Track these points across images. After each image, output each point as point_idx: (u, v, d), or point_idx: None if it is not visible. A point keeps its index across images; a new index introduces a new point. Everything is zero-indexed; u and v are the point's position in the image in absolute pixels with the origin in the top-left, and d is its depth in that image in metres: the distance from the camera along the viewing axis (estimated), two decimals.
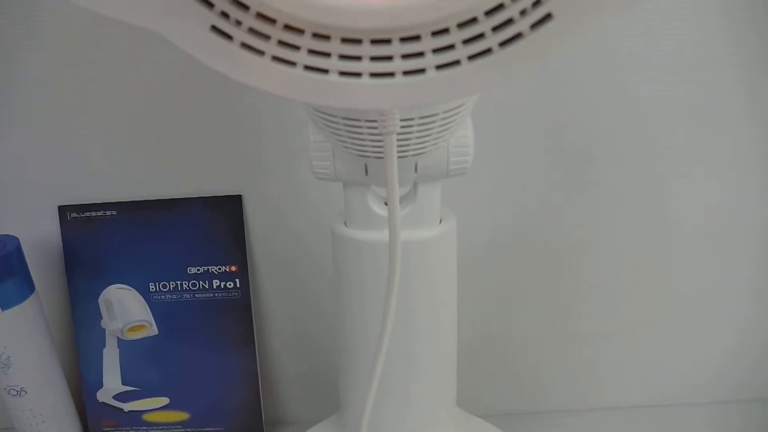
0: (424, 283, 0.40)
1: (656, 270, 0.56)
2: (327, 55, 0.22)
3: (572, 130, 0.51)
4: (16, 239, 0.53)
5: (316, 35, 0.22)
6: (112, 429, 0.60)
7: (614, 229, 0.55)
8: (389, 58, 0.22)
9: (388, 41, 0.22)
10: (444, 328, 0.43)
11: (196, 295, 0.56)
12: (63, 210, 0.56)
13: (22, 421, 0.57)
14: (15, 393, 0.55)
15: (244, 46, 0.22)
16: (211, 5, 0.21)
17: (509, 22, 0.21)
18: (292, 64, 0.22)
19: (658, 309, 0.57)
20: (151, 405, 0.59)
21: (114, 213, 0.55)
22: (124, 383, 0.59)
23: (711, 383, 0.60)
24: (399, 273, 0.32)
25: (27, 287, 0.54)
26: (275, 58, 0.22)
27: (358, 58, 0.22)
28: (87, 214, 0.56)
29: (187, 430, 0.59)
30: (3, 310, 0.52)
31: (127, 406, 0.59)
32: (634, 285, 0.56)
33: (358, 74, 0.22)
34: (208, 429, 0.59)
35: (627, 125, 0.51)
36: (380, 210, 0.39)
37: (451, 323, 0.44)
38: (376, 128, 0.29)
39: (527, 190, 0.54)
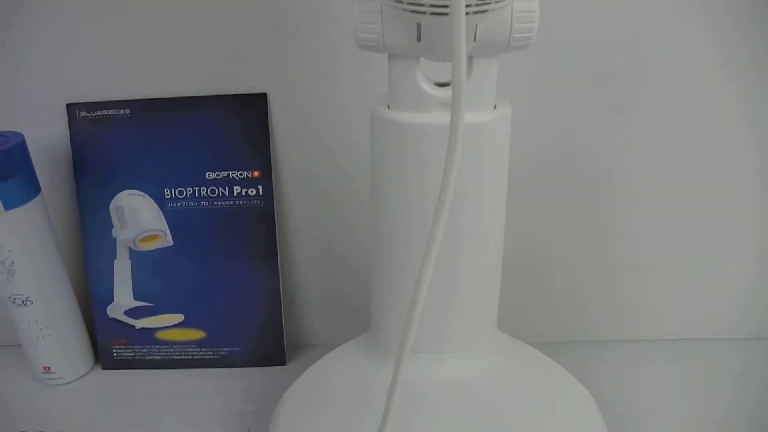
0: (474, 176, 0.36)
1: (700, 200, 0.51)
2: None
3: (618, 50, 0.46)
4: (20, 135, 0.49)
5: None
6: (123, 347, 0.56)
7: (658, 154, 0.50)
8: None
9: None
10: (491, 234, 0.39)
11: (215, 203, 0.52)
12: (72, 108, 0.51)
13: (27, 334, 0.53)
14: (20, 303, 0.52)
15: None
16: None
17: None
18: None
19: (699, 240, 0.53)
20: (164, 322, 0.55)
21: (127, 112, 0.51)
22: (136, 298, 0.55)
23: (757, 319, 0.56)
24: (459, 154, 0.28)
25: (32, 188, 0.50)
26: None
27: None
28: (98, 112, 0.51)
29: (203, 349, 0.56)
30: (6, 209, 0.48)
31: (139, 323, 0.55)
32: (678, 213, 0.52)
33: None
34: (225, 349, 0.56)
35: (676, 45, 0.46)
36: (431, 88, 0.35)
37: (499, 229, 0.40)
38: None
39: (568, 111, 0.49)
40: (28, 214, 0.50)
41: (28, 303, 0.52)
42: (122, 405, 0.53)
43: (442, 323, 0.41)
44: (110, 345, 0.56)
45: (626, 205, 0.52)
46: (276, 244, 0.53)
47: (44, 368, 0.55)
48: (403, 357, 0.32)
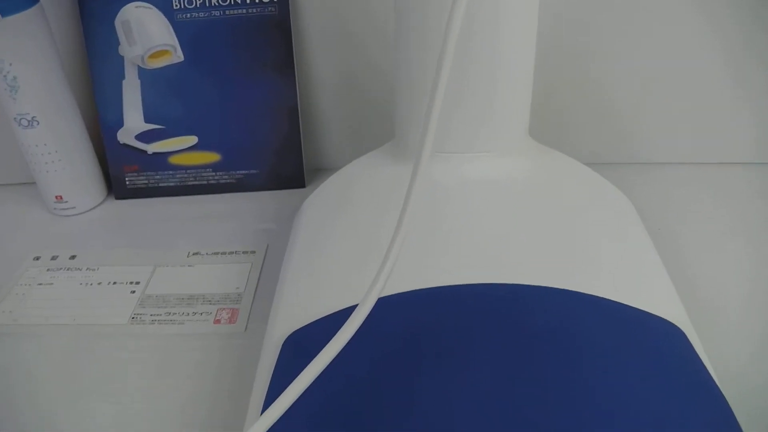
0: None
1: None
2: None
3: None
4: None
5: None
6: (136, 175, 0.54)
7: None
8: None
9: None
10: (521, 23, 0.36)
11: (227, 12, 0.49)
12: None
13: (36, 159, 0.51)
14: (26, 124, 0.50)
15: None
16: None
17: None
18: None
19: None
20: (177, 145, 0.53)
21: None
22: (146, 121, 0.53)
23: None
24: None
25: None
26: None
27: None
28: None
29: (218, 173, 0.54)
30: (3, 16, 0.45)
31: (151, 148, 0.53)
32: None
33: None
34: (241, 172, 0.54)
35: None
36: None
37: (531, 21, 0.37)
38: None
39: None
40: (26, 23, 0.47)
41: (35, 124, 0.50)
42: (137, 231, 0.52)
43: (471, 120, 0.39)
44: (122, 173, 0.54)
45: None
46: (293, 55, 0.50)
47: (56, 197, 0.54)
48: (428, 139, 0.30)
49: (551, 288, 0.33)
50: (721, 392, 0.29)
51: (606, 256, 0.37)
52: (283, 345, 0.32)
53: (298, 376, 0.24)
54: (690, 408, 0.28)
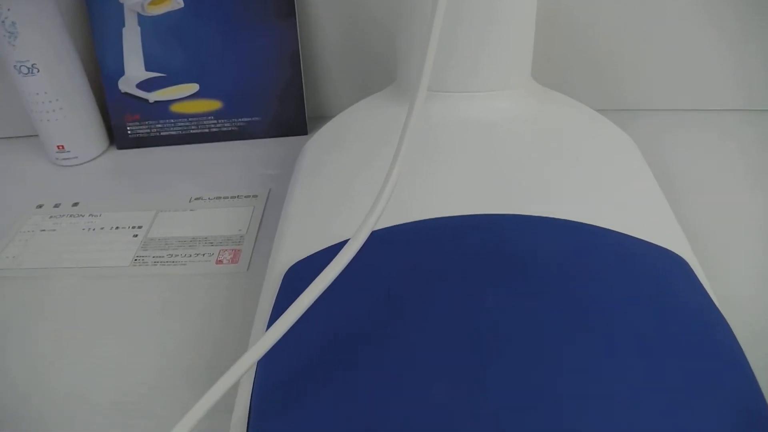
0: None
1: None
2: None
3: None
4: None
5: None
6: (137, 124, 0.54)
7: None
8: None
9: None
10: None
11: None
12: None
13: (37, 108, 0.51)
14: (26, 71, 0.49)
15: None
16: None
17: None
18: None
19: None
20: (179, 93, 0.53)
21: None
22: (147, 69, 0.52)
23: None
24: None
25: None
26: None
27: None
28: None
29: (220, 120, 0.54)
30: None
31: (153, 96, 0.53)
32: None
33: None
34: (243, 119, 0.54)
35: None
36: None
37: None
38: None
39: None
40: None
41: (35, 71, 0.50)
42: (139, 179, 0.52)
43: (471, 57, 0.38)
44: (124, 122, 0.54)
45: None
46: (294, 1, 0.50)
47: (58, 147, 0.54)
48: (425, 73, 0.29)
49: (551, 218, 0.32)
50: (725, 320, 0.29)
51: (608, 189, 0.36)
52: (284, 277, 0.32)
53: (296, 300, 0.24)
54: (696, 335, 0.28)
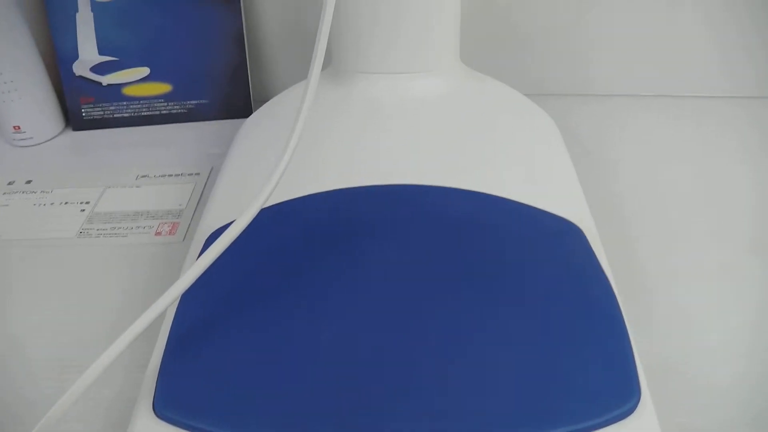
0: None
1: None
2: None
3: None
4: None
5: None
6: (91, 106, 0.57)
7: None
8: None
9: None
10: None
11: None
12: None
13: None
14: None
15: None
16: None
17: None
18: None
19: None
20: (131, 76, 0.55)
21: None
22: (101, 53, 0.55)
23: None
24: None
25: None
26: None
27: None
28: None
29: (170, 103, 0.56)
30: None
31: (106, 80, 0.56)
32: None
33: None
34: (192, 102, 0.56)
35: None
36: None
37: None
38: None
39: None
40: None
41: None
42: (92, 159, 0.54)
43: (392, 40, 0.41)
44: (78, 105, 0.57)
45: None
46: None
47: (14, 128, 0.56)
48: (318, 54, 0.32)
49: (451, 188, 0.35)
50: (608, 282, 0.32)
51: (516, 162, 0.39)
52: (205, 241, 0.35)
53: (199, 258, 0.27)
54: (574, 296, 0.31)
